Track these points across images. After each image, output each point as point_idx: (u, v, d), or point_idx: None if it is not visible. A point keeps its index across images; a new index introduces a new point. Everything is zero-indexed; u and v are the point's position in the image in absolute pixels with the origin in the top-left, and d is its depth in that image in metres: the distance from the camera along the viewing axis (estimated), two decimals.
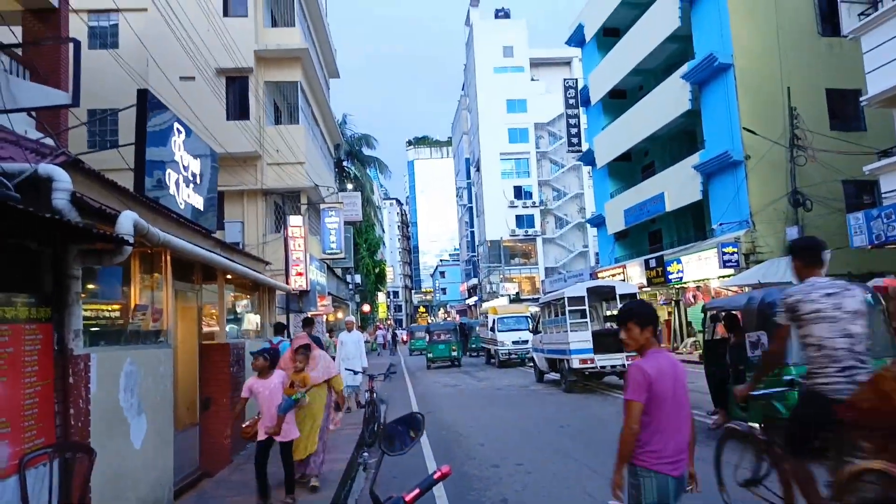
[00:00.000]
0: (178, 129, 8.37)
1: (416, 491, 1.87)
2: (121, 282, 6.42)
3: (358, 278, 37.43)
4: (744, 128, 19.30)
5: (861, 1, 14.25)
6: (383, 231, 67.89)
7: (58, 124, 9.19)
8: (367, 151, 40.68)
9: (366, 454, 3.70)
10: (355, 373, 11.76)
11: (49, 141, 6.63)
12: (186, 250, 6.58)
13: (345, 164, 37.44)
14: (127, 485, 5.43)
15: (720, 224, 20.42)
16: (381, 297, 62.10)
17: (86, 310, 5.24)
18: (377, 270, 49.78)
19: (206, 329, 9.20)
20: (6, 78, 5.29)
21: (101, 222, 4.86)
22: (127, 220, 4.95)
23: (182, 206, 8.38)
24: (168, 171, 8.02)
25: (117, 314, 6.33)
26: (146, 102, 7.21)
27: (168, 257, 6.92)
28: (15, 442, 4.07)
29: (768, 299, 7.06)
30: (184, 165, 8.61)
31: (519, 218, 54.58)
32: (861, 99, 14.84)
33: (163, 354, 6.61)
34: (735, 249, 19.14)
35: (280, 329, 11.86)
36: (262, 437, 6.01)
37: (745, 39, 20.02)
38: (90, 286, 5.72)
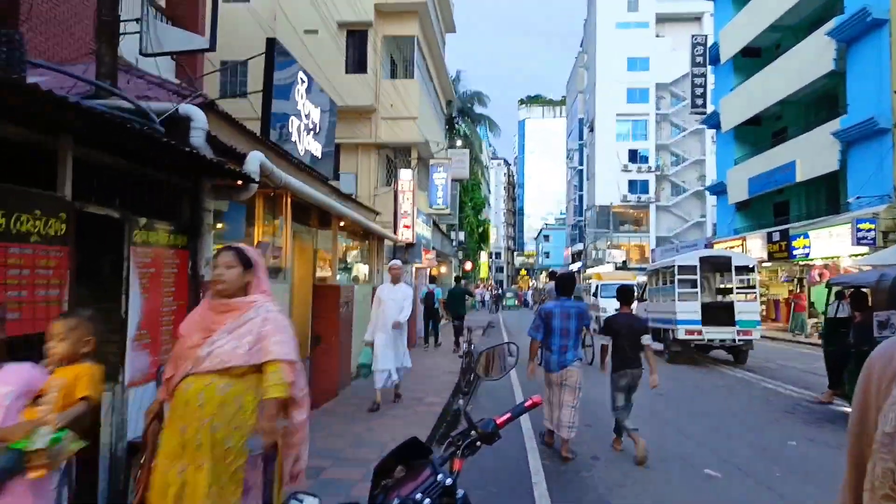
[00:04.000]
0: (301, 78, 8.77)
1: (508, 415, 1.94)
2: (246, 221, 6.94)
3: (462, 236, 37.86)
4: (895, 91, 17.33)
5: None
6: (489, 191, 67.87)
7: (195, 72, 9.88)
8: (478, 109, 40.49)
9: (461, 402, 3.80)
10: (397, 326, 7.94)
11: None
12: (304, 192, 6.96)
13: (455, 120, 37.54)
14: None
15: (857, 197, 18.65)
16: (483, 256, 62.50)
17: (218, 245, 5.73)
18: (481, 230, 50.04)
19: (319, 273, 9.77)
20: (155, 24, 5.79)
21: (231, 160, 5.26)
22: (254, 160, 5.32)
23: (302, 153, 8.84)
24: (291, 118, 8.45)
25: None
26: (273, 51, 7.58)
27: (288, 199, 7.36)
28: (154, 352, 4.58)
29: None
30: (305, 114, 9.03)
31: (632, 183, 52.53)
32: None
33: (280, 290, 7.11)
34: (873, 226, 17.46)
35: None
36: None
37: None
38: (219, 225, 6.24)
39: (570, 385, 6.00)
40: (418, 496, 1.64)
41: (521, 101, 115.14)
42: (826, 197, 22.34)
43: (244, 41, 16.22)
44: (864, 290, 7.61)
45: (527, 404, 1.99)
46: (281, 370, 2.67)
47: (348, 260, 13.10)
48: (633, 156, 53.05)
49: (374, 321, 7.95)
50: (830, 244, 19.68)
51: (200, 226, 5.03)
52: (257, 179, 5.23)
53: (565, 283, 6.41)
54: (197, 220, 5.02)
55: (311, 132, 9.33)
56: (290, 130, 8.20)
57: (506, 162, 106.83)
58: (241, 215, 6.89)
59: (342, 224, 10.12)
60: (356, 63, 19.50)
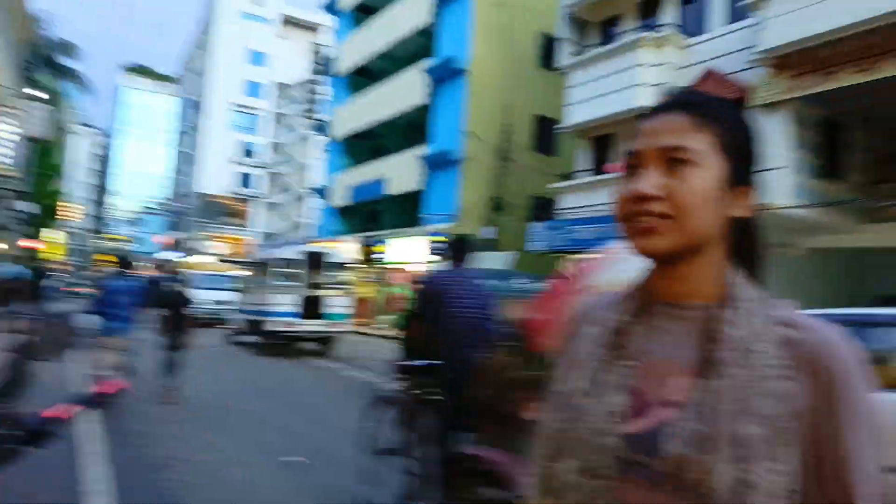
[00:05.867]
0: None
1: (68, 407, 1.45)
2: None
3: (35, 207, 31.35)
4: (464, 131, 21.04)
5: (575, 42, 16.61)
6: (65, 159, 58.13)
7: None
8: (67, 63, 34.30)
9: None
10: None
11: None
12: None
13: (33, 68, 30.99)
14: None
15: (431, 214, 21.97)
16: (60, 235, 53.10)
17: None
18: (55, 202, 42.44)
19: None
20: None
21: None
22: None
23: None
24: None
25: None
26: None
27: None
28: None
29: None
30: None
31: (240, 176, 51.77)
32: (555, 127, 17.50)
33: None
34: (444, 238, 20.76)
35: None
36: None
37: (482, 53, 21.80)
38: None
39: (119, 346, 7.40)
40: None
41: (127, 69, 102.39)
42: (412, 211, 25.71)
43: None
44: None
45: (98, 390, 1.52)
46: None
47: None
48: (245, 149, 52.44)
49: None
50: (411, 251, 22.69)
51: None
52: None
53: (123, 263, 8.29)
54: None
55: None
56: None
57: (101, 132, 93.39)
58: None
59: None
60: None
